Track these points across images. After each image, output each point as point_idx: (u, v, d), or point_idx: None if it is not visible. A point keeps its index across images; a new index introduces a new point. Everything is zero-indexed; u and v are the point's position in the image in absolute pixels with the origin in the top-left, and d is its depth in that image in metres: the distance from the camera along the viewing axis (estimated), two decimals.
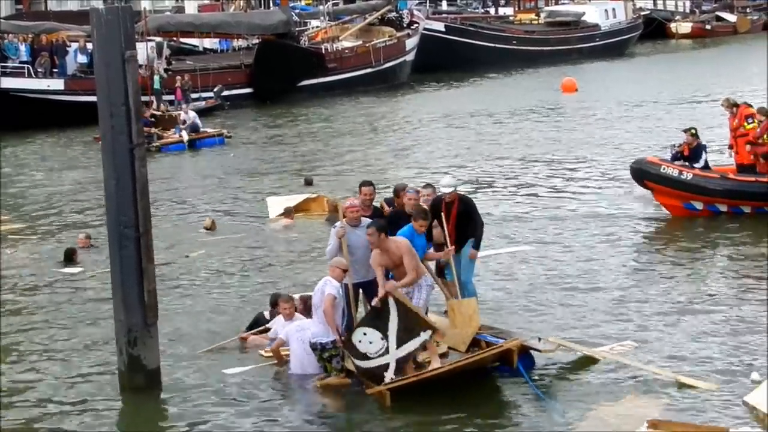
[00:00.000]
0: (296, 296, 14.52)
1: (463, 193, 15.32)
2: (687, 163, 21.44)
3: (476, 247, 14.36)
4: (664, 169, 21.19)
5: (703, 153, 21.79)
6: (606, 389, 12.40)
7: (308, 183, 27.72)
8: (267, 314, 14.92)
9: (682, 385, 12.24)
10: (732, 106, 22.21)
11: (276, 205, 23.80)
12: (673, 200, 21.32)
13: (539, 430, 11.51)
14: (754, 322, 14.50)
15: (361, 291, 13.64)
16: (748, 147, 21.38)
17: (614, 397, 12.14)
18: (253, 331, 14.62)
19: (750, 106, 22.28)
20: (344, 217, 13.58)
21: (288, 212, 23.02)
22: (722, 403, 11.80)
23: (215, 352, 14.19)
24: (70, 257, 19.67)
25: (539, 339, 13.39)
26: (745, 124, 21.58)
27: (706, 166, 21.64)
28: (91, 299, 17.10)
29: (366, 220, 13.46)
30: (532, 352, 13.11)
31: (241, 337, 14.54)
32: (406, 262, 12.66)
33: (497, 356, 12.70)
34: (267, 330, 14.48)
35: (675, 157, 21.87)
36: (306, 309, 13.86)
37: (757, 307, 15.23)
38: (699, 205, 21.17)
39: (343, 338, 12.70)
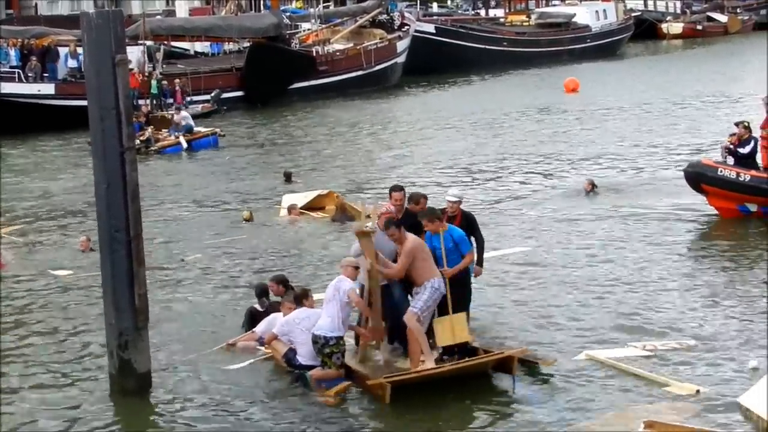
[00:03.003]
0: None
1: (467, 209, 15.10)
2: (736, 150, 21.21)
3: (480, 263, 14.17)
4: (721, 171, 21.01)
5: (753, 141, 21.26)
6: (606, 392, 12.44)
7: (287, 177, 28.10)
8: (258, 306, 15.09)
9: (677, 387, 12.30)
10: None
11: (289, 202, 24.06)
12: (728, 203, 21.16)
13: (534, 429, 11.57)
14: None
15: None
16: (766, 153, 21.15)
17: (614, 400, 12.19)
18: (240, 337, 14.65)
19: None
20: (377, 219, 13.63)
21: (292, 209, 23.23)
22: (721, 405, 11.84)
23: (207, 355, 14.20)
24: None
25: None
26: None
27: (752, 155, 21.25)
28: (84, 302, 17.09)
29: None
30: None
31: (228, 344, 14.52)
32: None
33: (497, 362, 12.75)
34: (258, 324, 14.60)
35: (732, 150, 21.42)
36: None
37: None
38: (753, 208, 21.05)
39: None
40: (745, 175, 20.82)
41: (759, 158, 21.42)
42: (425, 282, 12.77)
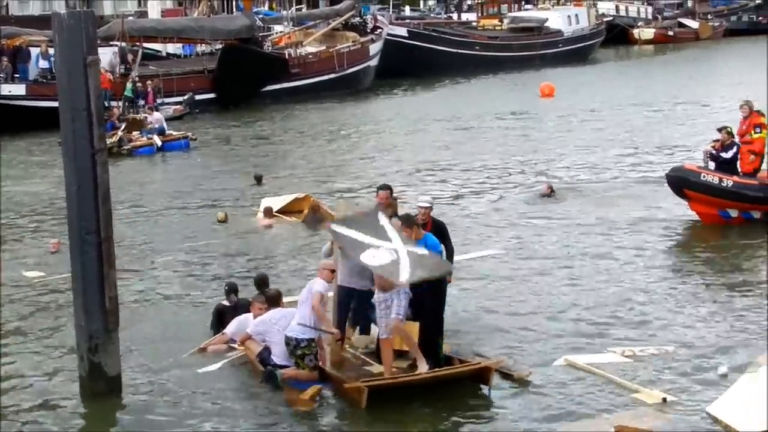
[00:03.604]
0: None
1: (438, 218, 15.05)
2: (719, 155, 21.40)
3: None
4: (704, 176, 21.04)
5: (735, 147, 21.45)
6: (580, 398, 12.47)
7: (258, 180, 28.16)
8: (226, 302, 15.22)
9: (645, 395, 12.34)
10: (750, 110, 21.95)
11: (267, 205, 24.00)
12: (709, 208, 21.19)
13: None
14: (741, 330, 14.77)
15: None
16: (751, 157, 21.32)
17: (588, 405, 12.22)
18: (211, 341, 14.62)
19: (762, 114, 21.94)
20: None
21: (268, 212, 23.22)
22: (693, 412, 11.89)
23: (178, 358, 14.16)
24: None
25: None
26: (753, 132, 21.44)
27: (734, 160, 21.41)
28: (54, 305, 17.01)
29: None
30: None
31: (200, 348, 14.48)
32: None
33: (474, 372, 12.78)
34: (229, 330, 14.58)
35: (715, 155, 21.59)
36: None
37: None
38: (734, 213, 21.15)
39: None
40: (728, 181, 20.92)
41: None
42: (398, 287, 12.75)
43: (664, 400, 12.16)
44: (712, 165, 21.60)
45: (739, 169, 21.50)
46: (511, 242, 20.53)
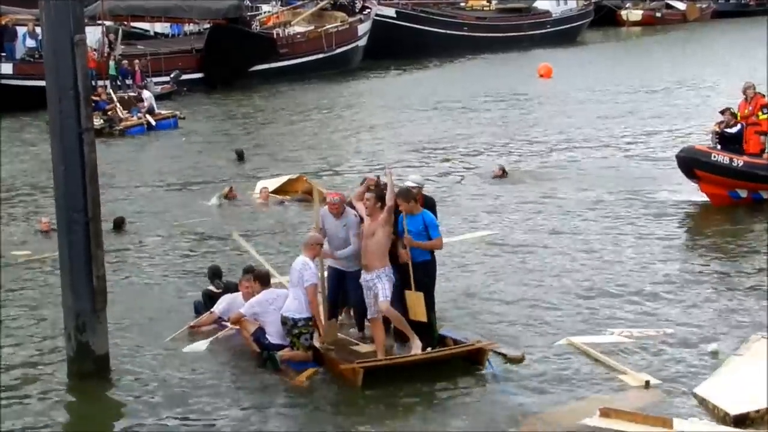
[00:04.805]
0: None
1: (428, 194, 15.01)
2: (724, 130, 21.65)
3: None
4: (714, 157, 21.02)
5: (740, 125, 21.63)
6: (568, 379, 12.50)
7: (239, 156, 28.19)
8: (213, 288, 15.20)
9: (630, 377, 12.38)
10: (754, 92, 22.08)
11: (263, 186, 23.99)
12: (719, 189, 21.18)
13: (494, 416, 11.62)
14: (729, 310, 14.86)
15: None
16: (762, 138, 21.42)
17: (579, 387, 12.26)
18: (199, 320, 14.64)
19: (763, 95, 22.05)
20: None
21: (263, 192, 23.26)
22: (683, 394, 11.92)
23: (167, 337, 14.16)
24: (119, 225, 19.95)
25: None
26: (760, 113, 21.54)
27: (740, 138, 21.53)
28: (43, 284, 17.01)
29: (350, 211, 13.40)
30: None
31: (190, 326, 14.51)
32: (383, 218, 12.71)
33: (469, 353, 12.86)
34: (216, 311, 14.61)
35: (722, 135, 21.81)
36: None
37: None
38: (744, 193, 21.20)
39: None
40: (738, 161, 20.98)
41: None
42: (384, 267, 12.76)
43: (647, 383, 12.20)
44: (719, 147, 21.70)
45: (744, 150, 21.61)
46: (502, 223, 20.52)
